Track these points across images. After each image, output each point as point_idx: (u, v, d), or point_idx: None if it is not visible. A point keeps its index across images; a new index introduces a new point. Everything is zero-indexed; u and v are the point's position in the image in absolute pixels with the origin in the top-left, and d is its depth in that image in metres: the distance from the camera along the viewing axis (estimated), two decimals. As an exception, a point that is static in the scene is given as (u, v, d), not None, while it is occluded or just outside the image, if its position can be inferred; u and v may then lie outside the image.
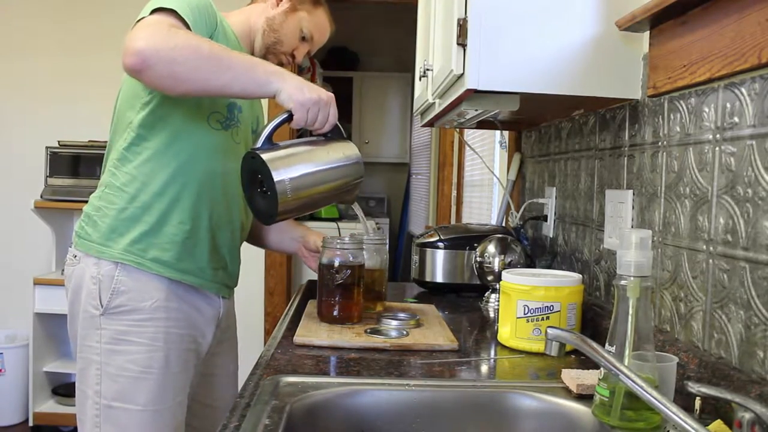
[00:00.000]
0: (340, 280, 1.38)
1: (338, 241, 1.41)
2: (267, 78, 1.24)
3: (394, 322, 1.37)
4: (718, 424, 0.76)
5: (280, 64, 1.50)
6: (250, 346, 3.35)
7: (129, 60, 1.15)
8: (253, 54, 1.50)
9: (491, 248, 1.69)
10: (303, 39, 1.54)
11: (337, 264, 1.39)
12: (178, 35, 1.18)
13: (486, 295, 1.71)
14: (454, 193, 3.80)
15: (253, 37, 1.51)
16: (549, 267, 1.56)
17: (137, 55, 1.14)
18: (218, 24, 1.37)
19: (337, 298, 1.38)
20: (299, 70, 3.79)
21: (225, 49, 1.25)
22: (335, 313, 1.38)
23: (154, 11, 1.24)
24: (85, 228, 1.39)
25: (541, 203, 1.80)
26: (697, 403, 0.80)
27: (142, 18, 1.24)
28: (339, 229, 1.58)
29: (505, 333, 1.26)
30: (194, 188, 1.37)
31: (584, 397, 0.95)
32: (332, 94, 1.31)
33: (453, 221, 3.71)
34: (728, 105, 0.93)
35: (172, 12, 1.24)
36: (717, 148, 0.95)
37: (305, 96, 1.25)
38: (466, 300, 1.75)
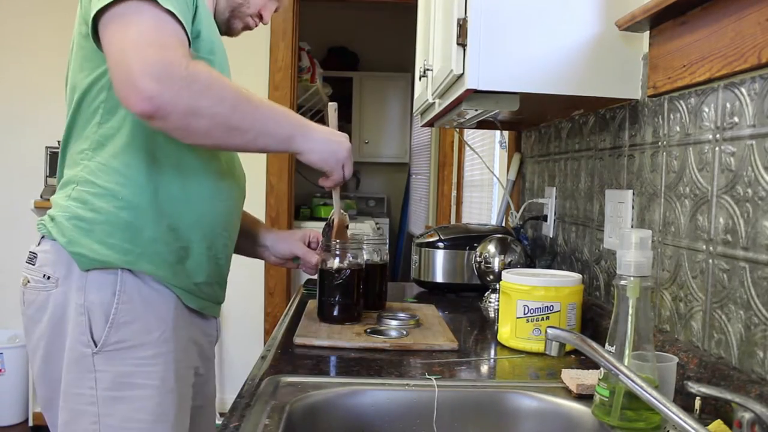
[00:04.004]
0: (340, 280, 1.38)
1: (338, 240, 1.41)
2: (289, 141, 1.12)
3: (394, 322, 1.37)
4: (718, 424, 0.76)
5: (247, 27, 1.34)
6: (250, 346, 3.36)
7: (138, 105, 0.94)
8: (215, 17, 1.25)
9: (491, 248, 1.69)
10: None
11: (336, 264, 1.39)
12: (198, 78, 0.98)
13: (486, 295, 1.71)
14: (454, 193, 3.80)
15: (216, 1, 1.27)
16: (549, 267, 1.56)
17: (149, 102, 0.93)
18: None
19: (336, 298, 1.38)
20: (299, 70, 3.77)
21: (247, 100, 1.05)
22: (335, 313, 1.38)
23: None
24: (64, 232, 1.10)
25: (541, 203, 1.80)
26: (697, 403, 0.80)
27: (114, 2, 0.97)
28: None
29: (505, 333, 1.26)
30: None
31: (584, 397, 0.95)
32: (348, 143, 1.21)
33: (453, 221, 3.71)
34: (728, 105, 0.93)
35: (171, 15, 0.99)
36: (717, 148, 0.95)
37: (329, 164, 1.18)
38: (466, 300, 1.75)
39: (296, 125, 1.12)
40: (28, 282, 1.16)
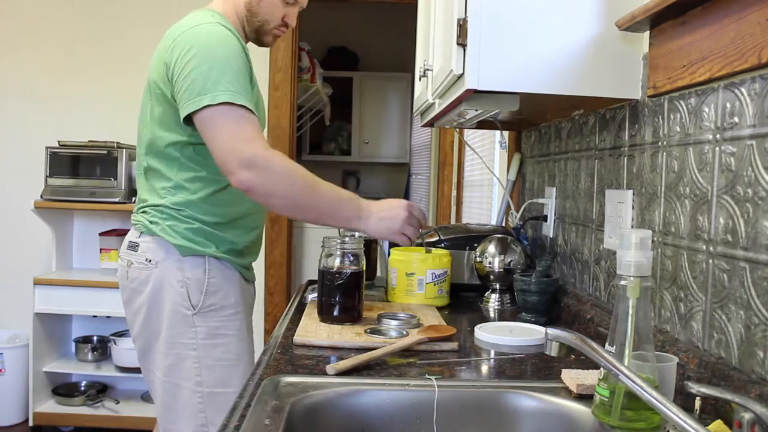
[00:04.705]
0: (341, 280, 1.38)
1: (338, 240, 1.42)
2: (348, 222, 1.44)
3: (394, 322, 1.37)
4: (718, 424, 0.76)
5: (277, 36, 1.64)
6: (250, 346, 3.36)
7: (235, 182, 1.36)
8: (246, 39, 1.61)
9: (491, 248, 1.69)
10: (287, 3, 1.59)
11: (337, 264, 1.39)
12: (275, 167, 1.37)
13: (486, 295, 1.71)
14: (454, 193, 3.80)
15: (243, 24, 1.59)
16: (549, 267, 1.56)
17: (244, 183, 1.36)
18: (248, 66, 1.47)
19: (337, 298, 1.38)
20: (299, 70, 3.77)
21: (313, 187, 1.41)
22: (335, 313, 1.38)
23: (224, 103, 1.37)
24: (163, 224, 1.50)
25: (541, 203, 1.80)
26: (697, 403, 0.80)
27: (209, 105, 1.37)
28: (339, 230, 1.59)
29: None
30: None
31: (584, 397, 0.95)
32: (402, 212, 1.46)
33: (453, 221, 3.71)
34: (728, 105, 0.93)
35: (245, 108, 1.39)
36: (717, 148, 0.95)
37: (388, 237, 1.46)
38: (466, 300, 1.75)
39: (354, 209, 1.43)
40: (132, 263, 1.53)
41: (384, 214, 1.43)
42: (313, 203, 1.41)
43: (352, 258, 1.41)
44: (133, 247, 1.54)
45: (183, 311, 1.48)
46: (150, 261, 1.50)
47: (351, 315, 1.39)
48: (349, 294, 1.39)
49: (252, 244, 1.63)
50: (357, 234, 1.56)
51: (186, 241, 1.49)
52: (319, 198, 1.41)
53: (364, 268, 1.44)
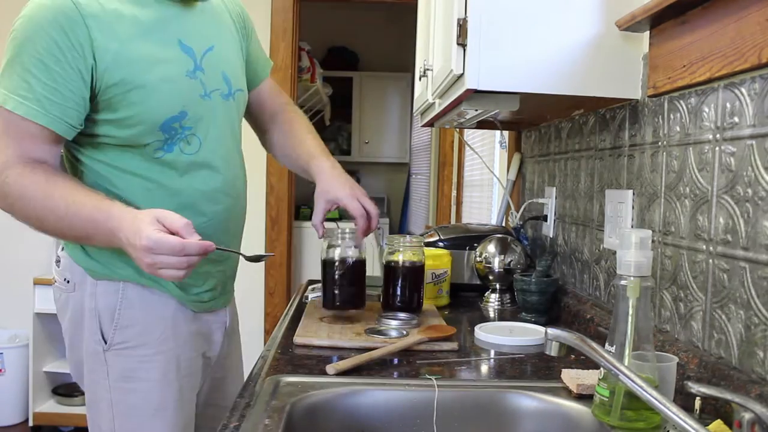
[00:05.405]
0: (342, 270, 1.39)
1: (339, 231, 1.44)
2: (109, 244, 1.10)
3: (394, 322, 1.37)
4: (718, 424, 0.76)
5: None
6: (250, 346, 3.34)
7: None
8: None
9: (491, 248, 1.69)
10: None
11: (339, 255, 1.41)
12: (8, 194, 1.10)
13: (486, 295, 1.71)
14: (454, 193, 3.80)
15: None
16: (549, 267, 1.56)
17: None
18: (86, 27, 1.09)
19: (340, 288, 1.40)
20: (299, 70, 3.77)
21: (52, 214, 1.10)
22: (338, 302, 1.40)
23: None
24: (76, 249, 1.23)
25: (541, 203, 1.80)
26: (697, 403, 0.80)
27: None
28: (338, 225, 1.59)
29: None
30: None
31: (584, 397, 0.95)
32: (145, 249, 1.03)
33: (453, 221, 3.71)
34: (728, 105, 0.93)
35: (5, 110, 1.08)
36: (717, 148, 0.95)
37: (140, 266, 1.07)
38: (466, 300, 1.75)
39: (107, 236, 1.08)
40: (55, 281, 1.29)
41: (130, 251, 1.06)
42: (62, 228, 1.12)
43: (353, 248, 1.42)
44: (57, 261, 1.29)
45: (94, 346, 1.22)
46: (68, 282, 1.25)
47: (354, 303, 1.40)
48: (352, 283, 1.40)
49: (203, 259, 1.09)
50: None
51: (94, 262, 1.21)
52: (61, 224, 1.11)
53: (365, 257, 1.45)
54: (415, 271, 1.46)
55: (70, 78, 1.09)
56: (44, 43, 1.07)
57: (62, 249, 1.27)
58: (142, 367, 1.22)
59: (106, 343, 1.21)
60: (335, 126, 5.55)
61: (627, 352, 0.83)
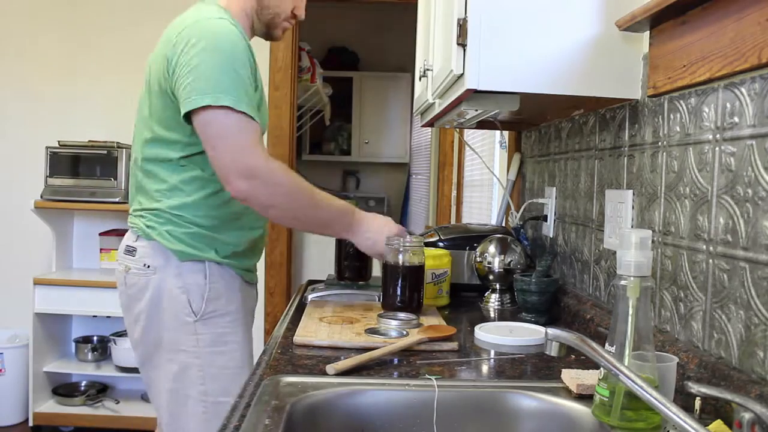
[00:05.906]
0: (403, 273, 1.47)
1: (401, 240, 1.49)
2: (339, 234, 1.53)
3: (394, 322, 1.37)
4: (718, 424, 0.76)
5: (286, 29, 1.62)
6: (250, 346, 3.36)
7: (234, 191, 1.36)
8: (252, 34, 1.59)
9: (491, 248, 1.69)
10: None
11: (400, 260, 1.48)
12: (276, 179, 1.38)
13: (486, 295, 1.71)
14: (454, 193, 3.80)
15: (251, 21, 1.56)
16: (549, 267, 1.56)
17: (242, 193, 1.36)
18: (254, 67, 1.44)
19: (399, 290, 1.48)
20: (299, 70, 3.77)
21: (313, 202, 1.43)
22: (398, 303, 1.48)
23: (226, 107, 1.34)
24: (160, 229, 1.47)
25: (541, 203, 1.80)
26: (697, 403, 0.80)
27: (210, 106, 1.33)
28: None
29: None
30: None
31: (584, 397, 0.95)
32: (382, 240, 1.50)
33: (453, 221, 3.71)
34: (728, 105, 0.93)
35: (245, 115, 1.35)
36: (717, 148, 0.95)
37: (371, 253, 1.54)
38: (466, 300, 1.75)
39: (345, 224, 1.49)
40: (130, 269, 1.50)
41: (370, 235, 1.50)
42: (310, 216, 1.46)
43: (413, 254, 1.49)
44: (131, 251, 1.50)
45: (184, 318, 1.45)
46: (148, 267, 1.46)
47: (411, 305, 1.47)
48: (410, 287, 1.48)
49: (254, 244, 1.59)
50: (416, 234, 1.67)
51: (184, 246, 1.46)
52: (316, 212, 1.45)
53: (424, 263, 1.53)
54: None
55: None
56: (245, 61, 1.41)
57: (137, 239, 1.49)
58: (230, 331, 1.48)
59: (196, 314, 1.45)
60: (335, 126, 5.55)
61: (627, 352, 0.83)
